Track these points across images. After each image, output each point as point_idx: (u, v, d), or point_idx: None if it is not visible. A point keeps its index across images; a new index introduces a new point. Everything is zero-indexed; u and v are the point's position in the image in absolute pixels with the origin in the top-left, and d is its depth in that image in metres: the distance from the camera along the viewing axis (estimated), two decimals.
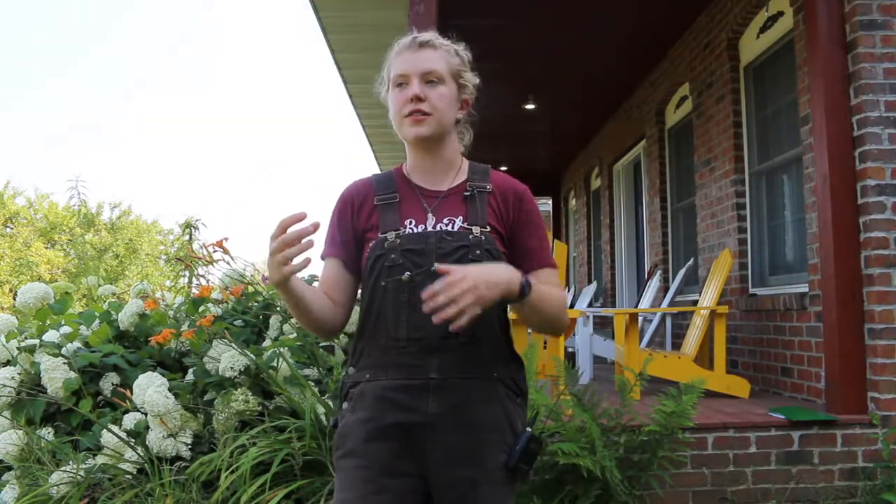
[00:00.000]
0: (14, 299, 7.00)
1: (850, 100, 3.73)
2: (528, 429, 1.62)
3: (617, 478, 2.98)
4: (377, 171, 7.90)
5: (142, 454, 3.05)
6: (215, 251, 3.65)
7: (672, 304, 5.94)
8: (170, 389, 3.10)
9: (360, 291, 1.69)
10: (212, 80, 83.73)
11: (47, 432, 3.21)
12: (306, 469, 2.93)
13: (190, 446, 3.10)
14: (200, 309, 3.74)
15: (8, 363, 3.46)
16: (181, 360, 3.57)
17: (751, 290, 5.14)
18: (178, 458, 3.06)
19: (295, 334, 3.46)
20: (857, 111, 3.70)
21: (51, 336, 3.58)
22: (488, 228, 1.61)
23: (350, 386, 1.63)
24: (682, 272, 5.96)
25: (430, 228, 1.60)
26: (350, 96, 7.36)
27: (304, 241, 1.42)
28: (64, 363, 3.29)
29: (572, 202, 11.79)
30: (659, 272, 6.78)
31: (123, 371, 3.38)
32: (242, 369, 3.15)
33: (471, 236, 1.58)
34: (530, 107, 7.95)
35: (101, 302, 4.25)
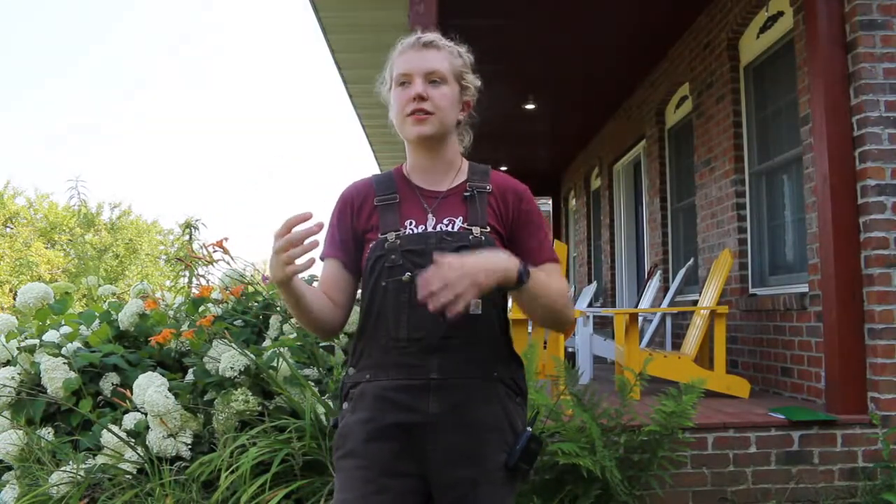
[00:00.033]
0: (14, 299, 7.00)
1: (850, 100, 3.73)
2: (529, 428, 1.63)
3: (617, 478, 2.98)
4: (377, 171, 7.92)
5: (142, 454, 3.05)
6: (215, 251, 3.65)
7: (672, 304, 5.94)
8: (170, 389, 3.10)
9: (359, 292, 1.69)
10: (212, 80, 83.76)
11: (47, 432, 3.21)
12: (306, 469, 2.93)
13: (190, 446, 3.10)
14: (200, 309, 3.74)
15: (8, 363, 3.46)
16: (181, 360, 3.57)
17: (751, 290, 5.14)
18: (178, 458, 3.06)
19: (295, 334, 3.46)
20: (857, 111, 3.70)
21: (51, 336, 3.58)
22: (488, 229, 1.61)
23: (350, 386, 1.63)
24: (682, 272, 5.96)
25: (430, 229, 1.60)
26: (350, 96, 7.36)
27: (308, 241, 1.42)
28: (64, 363, 3.29)
29: (572, 202, 11.79)
30: (659, 272, 6.78)
31: (123, 371, 3.38)
32: (242, 369, 3.15)
33: (471, 237, 1.58)
34: (530, 107, 7.95)
35: (101, 302, 4.24)
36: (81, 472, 2.99)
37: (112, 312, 3.74)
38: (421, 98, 1.60)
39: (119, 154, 58.65)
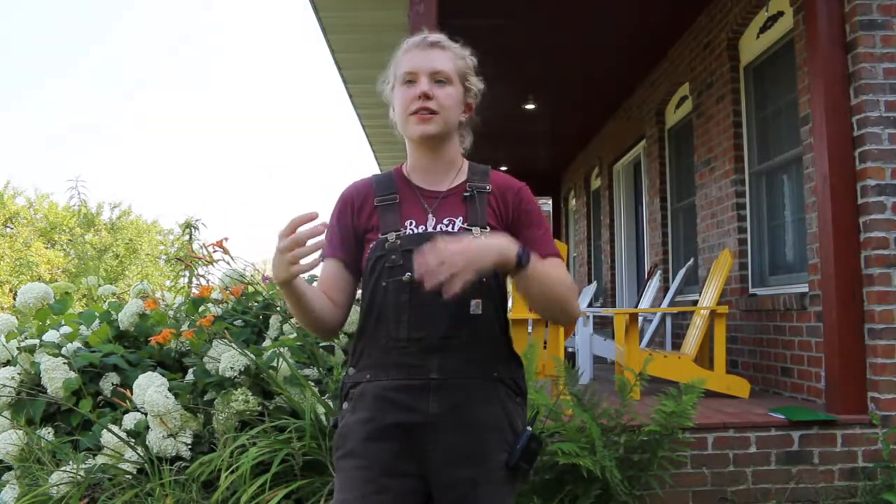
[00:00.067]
0: (14, 299, 7.00)
1: (850, 100, 3.73)
2: (529, 428, 1.63)
3: (617, 478, 2.98)
4: (377, 171, 7.91)
5: (142, 454, 3.05)
6: (215, 251, 3.65)
7: (672, 304, 5.95)
8: (170, 389, 3.10)
9: (359, 292, 1.69)
10: (212, 80, 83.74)
11: (47, 432, 3.21)
12: (306, 469, 2.93)
13: (190, 446, 3.10)
14: (200, 309, 3.74)
15: (8, 363, 3.46)
16: (181, 360, 3.57)
17: (751, 290, 5.14)
18: (178, 458, 3.06)
19: (295, 334, 3.46)
20: (857, 111, 3.70)
21: (51, 336, 3.58)
22: (488, 229, 1.61)
23: (350, 386, 1.63)
24: (682, 272, 5.96)
25: (430, 229, 1.61)
26: (350, 96, 7.36)
27: (313, 242, 1.42)
28: (64, 363, 3.29)
29: (572, 202, 11.79)
30: (659, 272, 6.78)
31: (123, 371, 3.38)
32: (242, 369, 3.15)
33: (471, 236, 1.58)
34: (530, 107, 7.95)
35: (101, 302, 4.25)
36: (81, 472, 2.99)
37: (112, 312, 3.74)
38: (426, 97, 1.60)
39: (119, 154, 58.69)
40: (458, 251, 1.37)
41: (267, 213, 67.45)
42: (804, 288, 4.32)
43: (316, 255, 1.43)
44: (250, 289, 3.83)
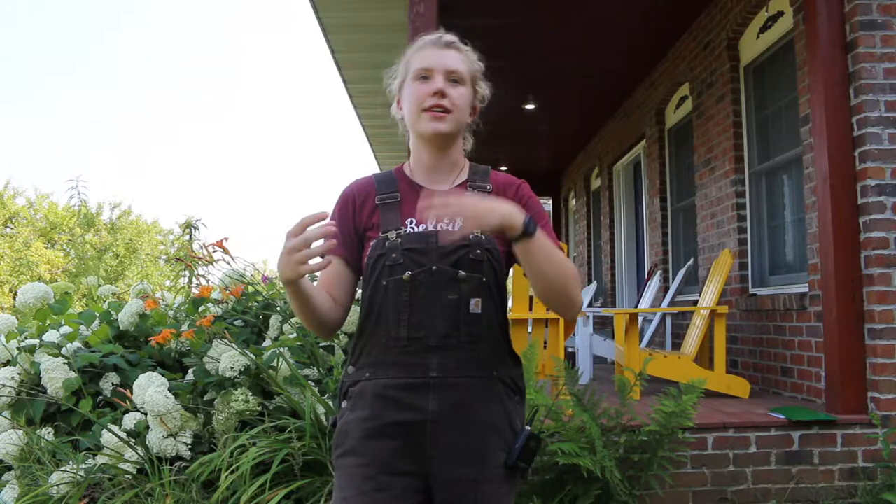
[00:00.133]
0: (14, 299, 7.01)
1: (850, 100, 3.73)
2: (527, 427, 1.63)
3: (617, 478, 2.98)
4: (377, 171, 7.90)
5: (142, 454, 3.05)
6: (215, 251, 3.65)
7: (672, 304, 5.95)
8: (170, 389, 3.10)
9: (359, 291, 1.69)
10: (212, 80, 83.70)
11: (47, 432, 3.21)
12: (306, 469, 2.93)
13: (190, 446, 3.10)
14: (200, 309, 3.74)
15: (8, 363, 3.46)
16: (181, 360, 3.57)
17: (751, 290, 5.14)
18: (178, 458, 3.06)
19: (295, 334, 3.46)
20: (857, 111, 3.70)
21: (51, 336, 3.58)
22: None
23: (350, 385, 1.63)
24: (682, 272, 5.96)
25: (430, 228, 1.61)
26: (350, 96, 7.36)
27: (318, 243, 1.41)
28: (64, 363, 3.29)
29: (572, 202, 11.79)
30: (659, 272, 6.78)
31: (123, 371, 3.38)
32: (242, 369, 3.15)
33: (471, 236, 1.59)
34: (530, 107, 7.95)
35: (101, 302, 4.25)
36: (81, 472, 2.99)
37: (112, 312, 3.74)
38: (442, 94, 1.61)
39: (119, 154, 58.68)
40: (463, 202, 1.39)
41: (266, 214, 67.47)
42: (804, 288, 4.32)
43: (328, 255, 1.43)
44: (250, 289, 3.83)
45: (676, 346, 6.00)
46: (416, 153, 1.70)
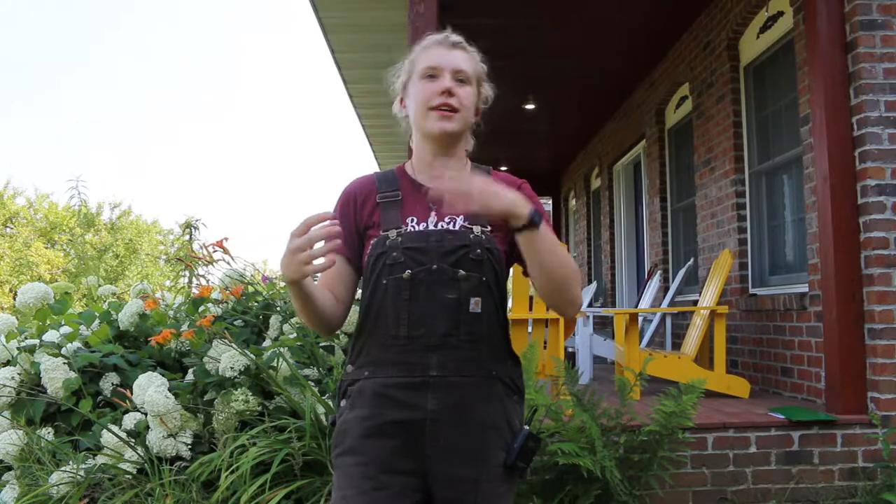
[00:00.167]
0: (14, 299, 7.01)
1: (850, 100, 3.73)
2: (526, 427, 1.63)
3: (617, 478, 2.98)
4: (377, 170, 7.90)
5: (142, 454, 3.05)
6: (215, 251, 3.65)
7: (672, 304, 5.95)
8: (170, 389, 3.10)
9: (359, 290, 1.69)
10: (212, 81, 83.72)
11: (47, 432, 3.21)
12: (306, 469, 2.93)
13: (190, 446, 3.10)
14: (200, 309, 3.74)
15: (8, 363, 3.46)
16: (181, 360, 3.57)
17: (751, 290, 5.14)
18: (178, 458, 3.06)
19: (295, 334, 3.46)
20: (857, 111, 3.70)
21: (51, 336, 3.58)
22: (489, 228, 1.61)
23: (349, 383, 1.63)
24: (682, 272, 5.96)
25: (431, 227, 1.61)
26: (350, 96, 7.36)
27: (320, 245, 1.42)
28: (64, 363, 3.29)
29: (572, 202, 11.79)
30: (659, 272, 6.79)
31: (123, 371, 3.38)
32: (242, 369, 3.15)
33: (471, 235, 1.59)
34: (530, 107, 7.95)
35: (101, 302, 4.25)
36: (81, 472, 2.99)
37: (112, 312, 3.74)
38: (450, 93, 1.61)
39: (119, 154, 58.69)
40: (475, 180, 1.40)
41: (266, 214, 67.49)
42: (804, 288, 4.32)
43: (332, 255, 1.43)
44: (250, 289, 3.83)
45: (676, 346, 6.00)
46: (418, 152, 1.70)
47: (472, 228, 1.60)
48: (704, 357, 4.91)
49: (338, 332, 3.46)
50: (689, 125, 6.26)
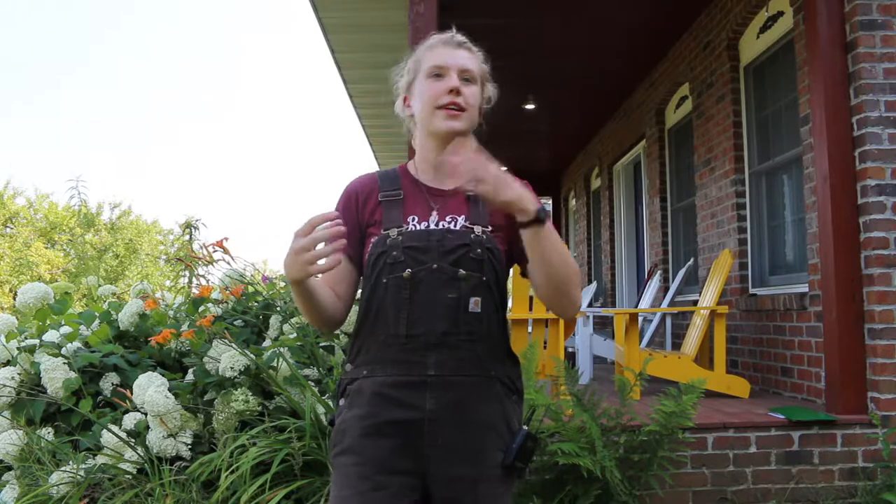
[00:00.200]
0: (14, 299, 7.01)
1: (850, 100, 3.73)
2: (525, 427, 1.63)
3: (617, 478, 2.98)
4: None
5: (142, 454, 3.05)
6: (215, 251, 3.65)
7: (672, 304, 5.95)
8: (170, 389, 3.10)
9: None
10: (212, 81, 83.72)
11: (47, 432, 3.21)
12: (306, 469, 2.93)
13: (190, 446, 3.10)
14: (200, 309, 3.74)
15: (8, 363, 3.46)
16: (181, 360, 3.57)
17: (751, 290, 5.15)
18: (178, 458, 3.07)
19: (295, 334, 3.46)
20: (857, 111, 3.70)
21: (51, 336, 3.58)
22: (490, 228, 1.62)
23: (347, 382, 1.63)
24: (682, 272, 5.96)
25: (432, 226, 1.61)
26: (350, 96, 7.36)
27: (322, 246, 1.42)
28: (64, 363, 3.29)
29: (572, 202, 11.79)
30: (659, 272, 6.79)
31: (123, 371, 3.38)
32: (242, 369, 3.15)
33: (472, 235, 1.59)
34: (530, 107, 7.95)
35: (101, 302, 4.25)
36: (81, 472, 2.99)
37: (112, 312, 3.74)
38: (457, 92, 1.61)
39: (119, 154, 58.70)
40: (490, 166, 1.41)
41: (266, 214, 67.49)
42: (804, 288, 4.32)
43: (337, 255, 1.43)
44: (250, 289, 3.83)
45: (676, 346, 6.01)
46: (422, 151, 1.70)
47: (472, 228, 1.60)
48: (704, 357, 4.91)
49: (338, 332, 3.47)
50: (689, 125, 6.26)
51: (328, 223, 1.42)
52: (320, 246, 1.43)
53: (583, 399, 3.22)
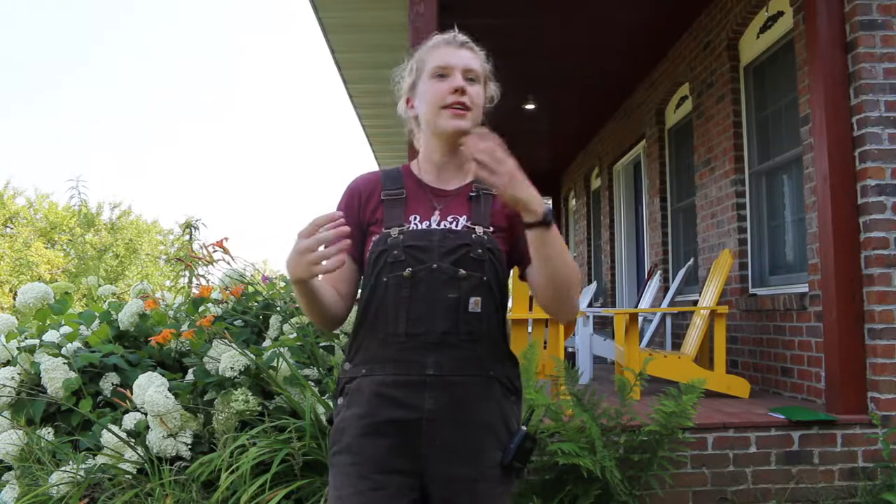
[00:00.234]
0: (14, 299, 7.01)
1: (850, 100, 3.73)
2: (523, 428, 1.63)
3: (617, 478, 2.98)
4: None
5: (142, 454, 3.05)
6: (215, 251, 3.65)
7: (672, 304, 5.95)
8: (170, 389, 3.10)
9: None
10: (212, 81, 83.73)
11: (47, 432, 3.21)
12: (306, 469, 2.93)
13: (190, 446, 3.10)
14: (200, 309, 3.74)
15: (8, 363, 3.46)
16: (181, 360, 3.57)
17: (751, 290, 5.15)
18: (178, 458, 3.07)
19: (295, 334, 3.46)
20: (857, 111, 3.70)
21: (51, 336, 3.58)
22: (491, 229, 1.62)
23: (346, 381, 1.63)
24: (682, 272, 5.96)
25: (434, 226, 1.61)
26: (350, 96, 7.35)
27: (324, 248, 1.42)
28: (64, 363, 3.29)
29: (572, 202, 11.79)
30: (659, 272, 6.79)
31: (123, 371, 3.38)
32: (242, 369, 3.15)
33: (473, 235, 1.59)
34: (530, 107, 7.95)
35: (101, 302, 4.25)
36: (81, 472, 2.99)
37: (112, 312, 3.74)
38: (462, 91, 1.61)
39: (119, 154, 58.70)
40: (510, 160, 1.43)
41: (266, 214, 67.51)
42: (804, 288, 4.32)
43: (342, 255, 1.43)
44: (250, 289, 3.83)
45: (676, 346, 6.00)
46: (426, 151, 1.70)
47: (474, 228, 1.60)
48: (704, 357, 4.91)
49: (337, 331, 3.47)
50: (689, 125, 6.26)
51: (332, 223, 1.42)
52: (323, 246, 1.43)
53: (583, 399, 3.22)
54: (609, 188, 9.01)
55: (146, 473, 3.00)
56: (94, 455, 3.10)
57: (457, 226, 1.61)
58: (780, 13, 4.70)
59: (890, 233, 3.61)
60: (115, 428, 3.12)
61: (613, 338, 5.63)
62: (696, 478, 3.40)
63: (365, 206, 1.66)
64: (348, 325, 3.20)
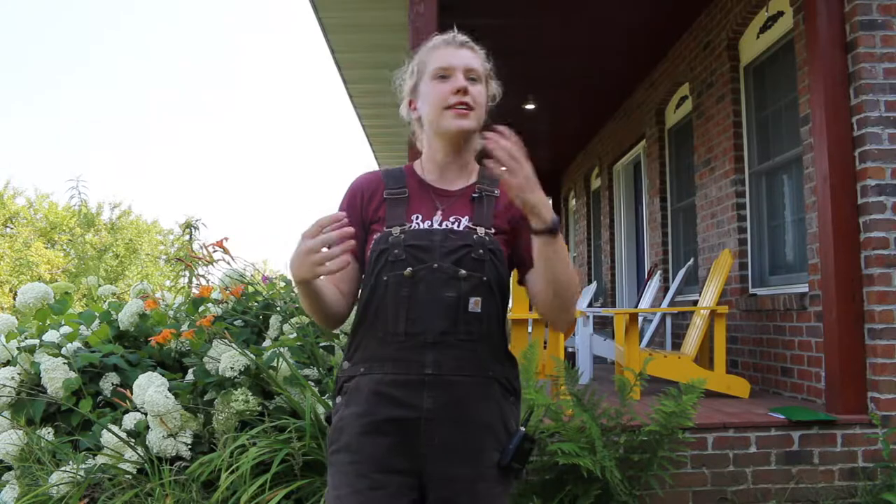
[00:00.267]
0: (14, 299, 7.01)
1: (850, 100, 3.73)
2: (522, 428, 1.63)
3: (617, 478, 2.98)
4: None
5: (142, 454, 3.05)
6: (215, 251, 3.65)
7: (672, 304, 5.95)
8: (170, 389, 3.10)
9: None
10: (212, 81, 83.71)
11: (47, 432, 3.21)
12: (306, 469, 2.93)
13: (190, 446, 3.10)
14: (200, 309, 3.74)
15: (8, 363, 3.46)
16: (181, 360, 3.57)
17: (751, 290, 5.15)
18: (178, 458, 3.07)
19: (295, 334, 3.46)
20: (857, 111, 3.70)
21: (51, 336, 3.58)
22: (493, 230, 1.62)
23: (345, 380, 1.63)
24: (682, 272, 5.97)
25: (435, 225, 1.61)
26: (350, 96, 7.36)
27: (328, 248, 1.42)
28: (64, 363, 3.29)
29: (572, 202, 11.79)
30: (659, 272, 6.79)
31: (123, 371, 3.38)
32: (242, 369, 3.15)
33: (475, 236, 1.59)
34: (530, 107, 7.95)
35: (101, 302, 4.25)
36: (81, 472, 2.99)
37: (112, 312, 3.74)
38: (465, 91, 1.62)
39: (119, 154, 58.69)
40: (527, 164, 1.47)
41: (266, 214, 67.50)
42: (804, 288, 4.32)
43: (346, 256, 1.43)
44: (250, 289, 3.83)
45: (676, 346, 6.00)
46: (429, 152, 1.70)
47: (476, 229, 1.60)
48: (704, 357, 4.91)
49: (337, 331, 3.47)
50: (689, 125, 6.26)
51: (336, 224, 1.43)
52: (327, 247, 1.43)
53: (583, 399, 3.22)
54: (609, 188, 9.02)
55: (146, 473, 3.00)
56: (94, 455, 3.10)
57: (458, 226, 1.61)
58: (780, 13, 4.70)
59: (890, 233, 3.61)
60: (115, 428, 3.12)
61: (613, 338, 5.63)
62: (696, 478, 3.40)
63: (367, 205, 1.66)
64: (348, 324, 3.20)
